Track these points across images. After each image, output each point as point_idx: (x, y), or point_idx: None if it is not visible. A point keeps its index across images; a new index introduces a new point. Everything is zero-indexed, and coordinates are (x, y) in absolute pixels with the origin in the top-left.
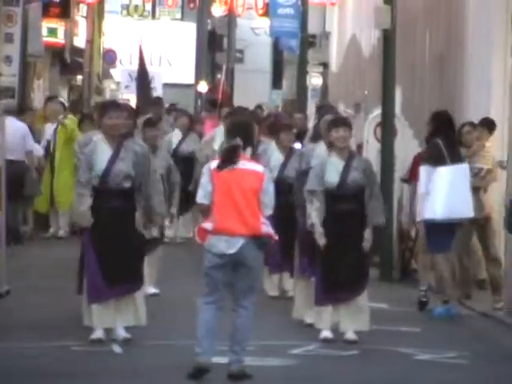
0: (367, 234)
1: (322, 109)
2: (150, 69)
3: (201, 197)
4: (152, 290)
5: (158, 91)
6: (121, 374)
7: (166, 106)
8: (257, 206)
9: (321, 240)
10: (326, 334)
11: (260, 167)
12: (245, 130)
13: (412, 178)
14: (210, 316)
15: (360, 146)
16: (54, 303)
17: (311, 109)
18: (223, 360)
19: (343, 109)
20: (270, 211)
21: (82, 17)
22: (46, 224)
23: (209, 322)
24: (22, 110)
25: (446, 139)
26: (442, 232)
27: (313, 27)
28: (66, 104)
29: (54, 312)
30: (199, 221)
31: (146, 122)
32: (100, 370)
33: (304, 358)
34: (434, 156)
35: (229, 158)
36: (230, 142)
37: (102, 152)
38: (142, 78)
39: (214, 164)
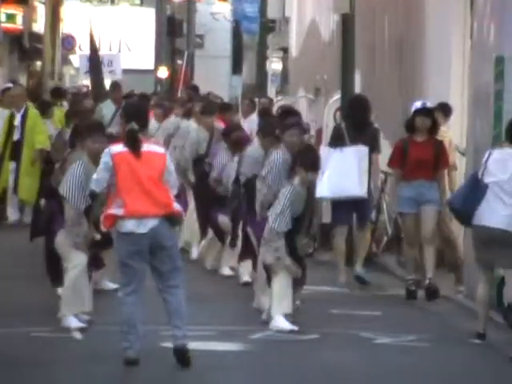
0: None
1: (286, 116)
2: (110, 53)
3: (92, 183)
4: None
5: (117, 75)
6: (81, 360)
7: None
8: (164, 186)
9: None
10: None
11: (161, 148)
12: (139, 113)
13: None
14: (133, 309)
15: (320, 131)
16: (11, 290)
17: (271, 93)
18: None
19: (304, 94)
20: (175, 191)
21: (41, 2)
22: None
23: (133, 315)
24: None
25: (351, 122)
26: (341, 208)
27: (272, 12)
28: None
29: (12, 298)
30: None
31: (90, 127)
32: (60, 356)
33: (264, 342)
34: (334, 138)
35: (132, 142)
36: (125, 127)
37: (91, 174)
38: (94, 64)
39: (115, 149)
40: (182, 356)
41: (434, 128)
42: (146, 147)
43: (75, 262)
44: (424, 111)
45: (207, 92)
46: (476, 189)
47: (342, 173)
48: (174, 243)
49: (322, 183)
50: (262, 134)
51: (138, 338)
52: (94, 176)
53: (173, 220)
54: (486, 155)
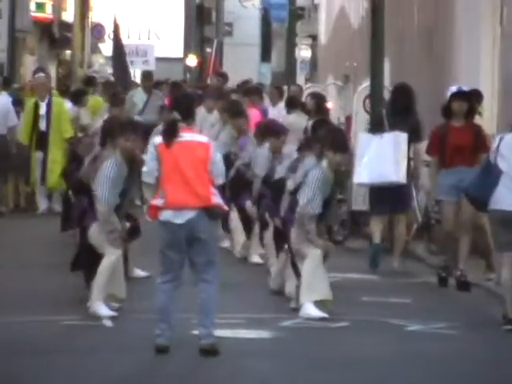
0: None
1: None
2: (140, 43)
3: (144, 175)
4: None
5: (150, 65)
6: (111, 347)
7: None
8: (206, 177)
9: None
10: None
11: (205, 138)
12: (183, 103)
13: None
14: (167, 298)
15: (349, 118)
16: (41, 279)
17: (300, 81)
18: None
19: (333, 81)
20: (220, 180)
21: None
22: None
23: (166, 305)
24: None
25: (393, 109)
26: (379, 197)
27: None
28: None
29: (43, 288)
30: None
31: (122, 125)
32: (91, 343)
33: (293, 330)
34: (374, 124)
35: (168, 132)
36: (168, 117)
37: (123, 172)
38: (118, 54)
39: (158, 140)
40: (205, 354)
41: (470, 112)
42: (190, 137)
43: (110, 250)
44: (460, 95)
45: (244, 80)
46: (490, 174)
47: (380, 159)
48: (210, 236)
49: (361, 169)
50: (301, 150)
51: (170, 327)
52: (145, 168)
53: (211, 213)
54: (498, 140)
